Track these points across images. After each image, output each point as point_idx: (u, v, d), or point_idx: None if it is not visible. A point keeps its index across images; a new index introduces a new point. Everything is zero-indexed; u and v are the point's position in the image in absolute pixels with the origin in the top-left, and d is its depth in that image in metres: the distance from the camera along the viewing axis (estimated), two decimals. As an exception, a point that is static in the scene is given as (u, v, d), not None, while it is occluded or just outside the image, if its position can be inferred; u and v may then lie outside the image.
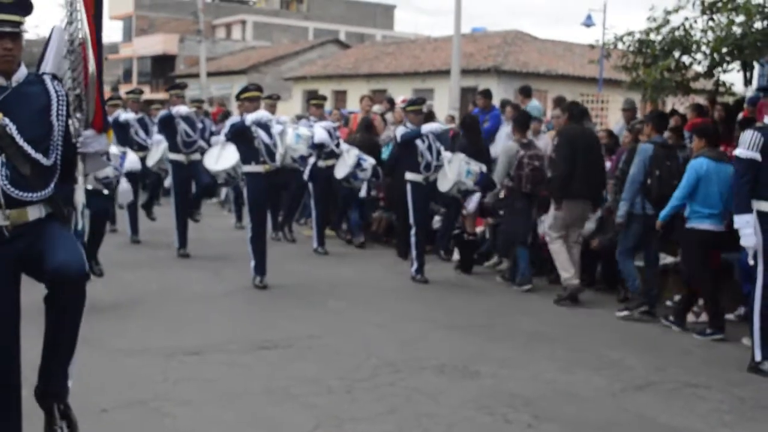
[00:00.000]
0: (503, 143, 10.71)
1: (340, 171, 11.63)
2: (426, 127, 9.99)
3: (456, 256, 11.26)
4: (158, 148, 11.59)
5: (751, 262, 6.71)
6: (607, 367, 6.75)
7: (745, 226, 6.64)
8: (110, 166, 7.82)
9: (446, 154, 10.08)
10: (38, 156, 3.82)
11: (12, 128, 3.75)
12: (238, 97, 9.76)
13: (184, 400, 5.55)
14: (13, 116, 3.77)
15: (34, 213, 3.87)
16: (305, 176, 11.84)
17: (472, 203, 10.43)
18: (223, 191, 16.60)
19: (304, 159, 9.84)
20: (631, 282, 8.96)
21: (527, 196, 9.78)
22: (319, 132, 9.73)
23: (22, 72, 3.88)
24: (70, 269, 3.78)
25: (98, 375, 5.89)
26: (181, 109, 11.06)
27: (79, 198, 4.07)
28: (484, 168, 10.07)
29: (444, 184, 9.98)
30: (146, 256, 11.12)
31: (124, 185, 8.48)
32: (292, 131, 9.66)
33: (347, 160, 11.63)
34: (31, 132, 3.81)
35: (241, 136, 9.27)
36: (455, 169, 9.87)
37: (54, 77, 4.05)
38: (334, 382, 5.98)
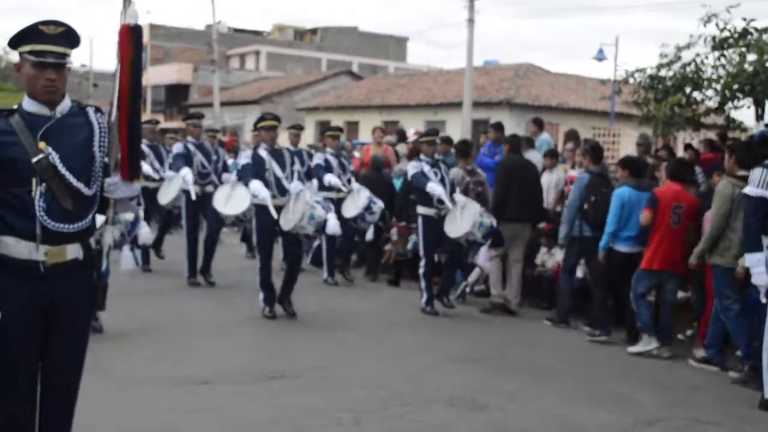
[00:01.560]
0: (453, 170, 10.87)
1: (350, 211, 11.35)
2: (431, 187, 9.79)
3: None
4: (172, 184, 11.51)
5: (764, 300, 6.68)
6: (615, 402, 6.72)
7: (757, 265, 6.61)
8: (133, 211, 7.82)
9: (460, 198, 9.97)
10: (80, 185, 3.82)
11: (55, 157, 3.76)
12: (255, 126, 9.72)
13: (192, 430, 5.56)
14: (56, 146, 3.78)
15: (72, 252, 3.86)
16: (308, 260, 11.79)
17: (481, 258, 10.45)
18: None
19: (309, 237, 9.77)
20: (561, 298, 9.88)
21: None
22: (332, 223, 9.66)
23: (66, 103, 3.89)
24: (53, 414, 3.96)
25: (106, 403, 5.90)
26: (188, 177, 10.95)
27: (107, 240, 4.04)
28: (495, 222, 9.84)
29: (454, 231, 9.78)
30: (156, 284, 11.14)
31: (127, 252, 8.27)
32: (305, 207, 9.33)
33: (357, 201, 11.38)
34: (73, 162, 3.81)
35: (255, 167, 9.27)
36: (469, 219, 9.65)
37: (97, 109, 4.05)
38: (342, 414, 5.98)
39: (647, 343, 8.47)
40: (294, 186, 9.39)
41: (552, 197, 11.48)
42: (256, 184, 9.07)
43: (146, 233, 8.65)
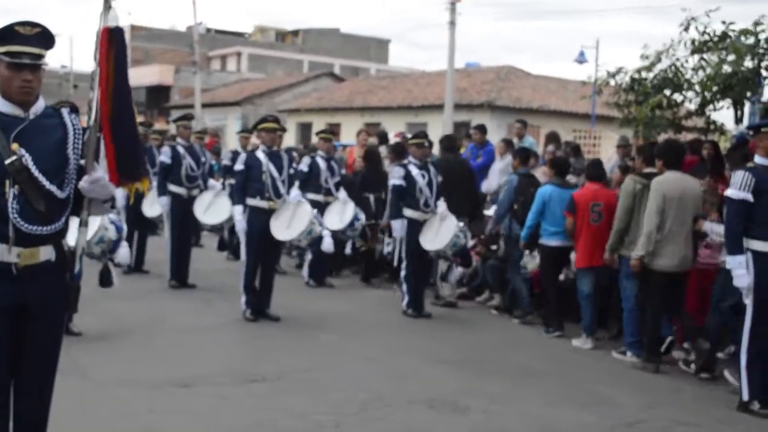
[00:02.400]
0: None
1: (333, 223, 11.05)
2: (396, 228, 9.99)
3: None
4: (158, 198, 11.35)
5: (747, 302, 6.71)
6: (596, 403, 6.74)
7: (738, 267, 6.64)
8: (112, 213, 7.80)
9: (442, 210, 9.90)
10: (53, 188, 3.79)
11: (28, 159, 3.73)
12: (255, 127, 9.66)
13: (172, 433, 5.53)
14: (29, 148, 3.75)
15: (45, 254, 3.83)
16: (304, 273, 11.76)
17: (453, 275, 10.68)
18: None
19: (301, 249, 9.73)
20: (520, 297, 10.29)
21: None
22: (327, 241, 9.70)
23: (39, 105, 3.86)
24: (28, 416, 3.93)
25: (86, 405, 5.87)
26: (165, 209, 11.15)
27: (81, 242, 4.00)
28: (470, 242, 10.04)
29: (428, 244, 9.81)
30: (137, 286, 11.04)
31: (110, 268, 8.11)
32: (309, 224, 9.24)
33: (343, 215, 11.17)
34: (46, 164, 3.78)
35: (249, 170, 9.26)
36: (447, 236, 9.68)
37: (72, 110, 4.02)
38: (322, 417, 5.96)
39: (584, 343, 8.96)
40: (293, 194, 9.38)
41: None
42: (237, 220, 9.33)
43: (125, 253, 8.55)
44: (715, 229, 7.82)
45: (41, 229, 3.78)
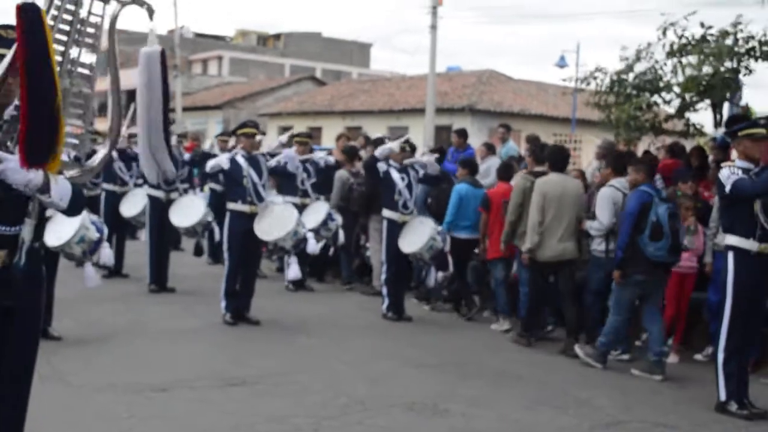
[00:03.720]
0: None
1: (309, 221, 10.80)
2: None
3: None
4: (137, 199, 11.42)
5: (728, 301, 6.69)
6: (574, 406, 6.76)
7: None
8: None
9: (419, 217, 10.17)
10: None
11: None
12: (234, 132, 9.67)
13: (150, 437, 5.51)
14: None
15: (13, 256, 3.77)
16: (288, 276, 10.91)
17: (431, 278, 10.76)
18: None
19: (285, 251, 9.74)
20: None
21: (354, 214, 12.02)
22: (312, 242, 9.73)
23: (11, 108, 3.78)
24: (4, 420, 3.88)
25: (64, 411, 5.84)
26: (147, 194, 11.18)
27: (25, 235, 3.87)
28: (447, 246, 10.13)
29: (405, 247, 9.90)
30: (117, 290, 10.99)
31: (90, 269, 8.05)
32: (296, 225, 9.37)
33: (318, 214, 11.14)
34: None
35: (230, 174, 9.28)
36: (423, 238, 9.78)
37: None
38: (301, 420, 5.96)
39: (501, 325, 9.82)
40: (281, 197, 9.40)
41: None
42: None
43: (108, 254, 8.51)
44: (593, 226, 8.56)
45: (5, 230, 3.75)
